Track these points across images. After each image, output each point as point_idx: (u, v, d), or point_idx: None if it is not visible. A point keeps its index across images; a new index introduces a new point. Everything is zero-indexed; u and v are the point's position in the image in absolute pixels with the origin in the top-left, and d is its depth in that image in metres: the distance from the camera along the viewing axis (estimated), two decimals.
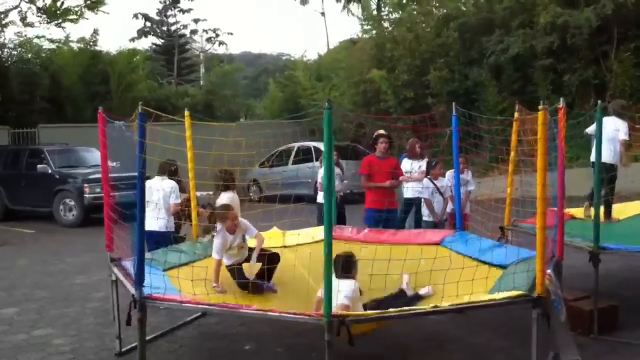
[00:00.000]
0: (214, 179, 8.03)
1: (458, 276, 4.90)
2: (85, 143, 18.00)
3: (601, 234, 6.51)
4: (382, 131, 9.40)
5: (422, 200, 9.46)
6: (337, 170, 10.72)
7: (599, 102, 6.92)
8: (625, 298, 7.31)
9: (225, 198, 7.83)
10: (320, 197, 10.48)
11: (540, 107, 4.80)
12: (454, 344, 6.44)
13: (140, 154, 4.93)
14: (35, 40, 26.29)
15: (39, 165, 17.02)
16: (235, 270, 6.19)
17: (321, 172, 10.64)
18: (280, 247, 7.85)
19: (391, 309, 4.83)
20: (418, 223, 9.62)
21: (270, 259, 6.14)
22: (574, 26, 18.79)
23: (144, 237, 5.29)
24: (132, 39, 39.53)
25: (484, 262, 6.23)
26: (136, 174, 5.10)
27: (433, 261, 4.93)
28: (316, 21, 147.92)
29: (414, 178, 9.65)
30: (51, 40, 26.74)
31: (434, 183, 9.35)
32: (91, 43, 27.59)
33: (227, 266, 6.29)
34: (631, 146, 9.09)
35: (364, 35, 27.17)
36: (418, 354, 6.19)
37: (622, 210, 9.00)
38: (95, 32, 27.59)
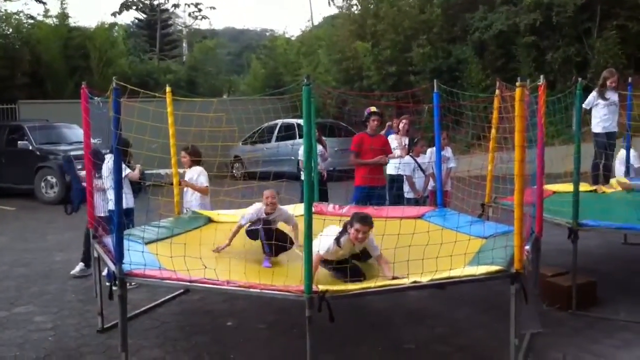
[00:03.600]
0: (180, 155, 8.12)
1: (437, 249, 4.93)
2: (65, 119, 17.83)
3: (580, 210, 6.56)
4: (374, 108, 9.35)
5: (404, 177, 9.49)
6: (320, 148, 10.70)
7: (580, 79, 6.94)
8: (603, 274, 7.41)
9: (195, 172, 8.19)
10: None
11: (517, 84, 4.80)
12: (434, 319, 6.50)
13: (115, 129, 4.88)
14: (16, 16, 25.92)
15: (19, 142, 16.84)
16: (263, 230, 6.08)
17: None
18: None
19: (372, 284, 4.85)
20: (398, 200, 9.67)
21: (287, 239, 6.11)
22: (558, 4, 18.81)
23: (122, 213, 5.27)
24: (114, 14, 39.03)
25: (463, 233, 6.27)
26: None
27: (412, 235, 4.94)
28: None
29: (397, 155, 9.71)
30: (30, 17, 26.39)
31: (415, 160, 9.39)
32: (63, 15, 27.22)
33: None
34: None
35: (346, 11, 26.97)
36: (399, 330, 6.24)
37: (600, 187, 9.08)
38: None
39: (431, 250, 4.95)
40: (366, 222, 5.21)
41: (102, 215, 7.28)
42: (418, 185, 9.40)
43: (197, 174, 8.25)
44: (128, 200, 7.66)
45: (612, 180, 8.79)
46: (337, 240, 5.25)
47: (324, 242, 5.29)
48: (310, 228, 4.44)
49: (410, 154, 9.47)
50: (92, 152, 6.90)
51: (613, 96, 8.38)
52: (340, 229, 5.33)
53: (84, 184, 7.86)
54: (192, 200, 8.27)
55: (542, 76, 6.33)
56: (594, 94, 8.41)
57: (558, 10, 18.86)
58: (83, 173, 7.84)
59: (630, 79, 10.25)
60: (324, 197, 10.41)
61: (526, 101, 4.89)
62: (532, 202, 6.08)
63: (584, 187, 8.21)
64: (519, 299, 4.84)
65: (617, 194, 8.60)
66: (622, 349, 5.58)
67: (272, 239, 5.78)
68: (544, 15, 19.16)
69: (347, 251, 5.34)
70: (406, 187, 9.50)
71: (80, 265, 8.41)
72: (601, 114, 8.38)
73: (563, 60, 19.14)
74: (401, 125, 10.43)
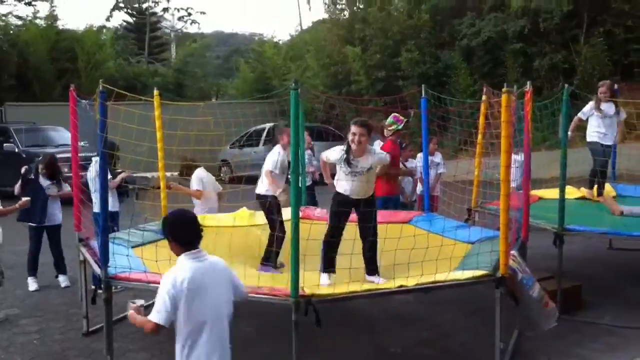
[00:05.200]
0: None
1: (424, 254, 4.95)
2: (52, 122, 17.75)
3: (565, 216, 6.61)
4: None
5: None
6: (308, 152, 10.70)
7: (566, 85, 6.99)
8: (588, 279, 7.45)
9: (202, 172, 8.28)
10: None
11: (503, 89, 4.84)
12: (420, 322, 6.52)
13: (101, 132, 4.87)
14: (4, 17, 25.86)
15: (5, 144, 16.73)
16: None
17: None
18: (250, 225, 7.87)
19: (358, 288, 4.87)
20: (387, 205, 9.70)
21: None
22: (545, 10, 18.93)
23: (107, 216, 5.25)
24: (108, 18, 38.80)
25: (450, 238, 6.31)
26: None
27: (398, 240, 4.96)
28: (291, 1, 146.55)
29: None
30: (19, 17, 26.27)
31: (404, 164, 9.39)
32: (52, 17, 27.14)
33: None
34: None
35: (333, 16, 26.96)
36: (385, 333, 6.25)
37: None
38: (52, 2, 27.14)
39: (417, 254, 4.97)
40: (356, 123, 5.65)
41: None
42: (407, 189, 9.41)
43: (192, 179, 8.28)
44: (113, 204, 7.60)
45: (606, 191, 8.85)
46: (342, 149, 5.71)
47: (330, 152, 5.84)
48: (297, 231, 4.45)
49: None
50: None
51: (608, 109, 8.36)
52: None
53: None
54: (195, 205, 8.27)
55: (529, 82, 6.38)
56: (591, 104, 8.45)
57: (545, 17, 18.98)
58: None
59: (616, 86, 10.33)
60: (312, 202, 10.40)
61: (513, 107, 4.93)
62: (519, 207, 6.12)
63: (570, 192, 8.27)
64: (505, 303, 4.88)
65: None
66: (607, 353, 5.62)
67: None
68: (531, 22, 19.28)
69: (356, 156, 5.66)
70: None
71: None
72: (595, 125, 8.45)
73: (550, 67, 19.25)
74: (386, 132, 10.41)
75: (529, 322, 5.34)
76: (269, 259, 6.50)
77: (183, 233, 3.76)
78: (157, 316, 3.58)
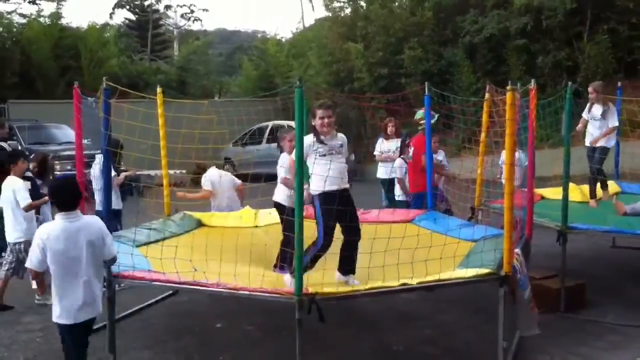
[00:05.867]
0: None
1: (427, 253, 4.94)
2: (55, 119, 17.74)
3: (569, 214, 6.60)
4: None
5: (395, 179, 9.51)
6: None
7: (570, 83, 6.97)
8: (592, 277, 7.44)
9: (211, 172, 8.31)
10: None
11: (508, 87, 4.82)
12: (423, 321, 6.52)
13: (105, 130, 4.87)
14: (7, 15, 25.85)
15: (8, 142, 16.71)
16: None
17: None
18: (253, 226, 7.87)
19: (361, 287, 4.87)
20: (391, 203, 9.72)
21: None
22: (549, 7, 18.88)
23: (111, 214, 5.25)
24: (111, 14, 38.82)
25: (453, 237, 6.30)
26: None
27: (402, 239, 4.95)
28: None
29: (392, 158, 9.78)
30: (22, 15, 26.28)
31: (407, 162, 9.37)
32: (57, 15, 27.13)
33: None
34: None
35: (334, 14, 26.87)
36: (388, 332, 6.25)
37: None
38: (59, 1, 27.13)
39: (421, 253, 4.96)
40: (323, 106, 5.48)
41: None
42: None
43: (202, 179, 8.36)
44: (115, 202, 7.61)
45: (610, 188, 8.82)
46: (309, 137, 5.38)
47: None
48: (301, 231, 4.44)
49: (402, 156, 9.46)
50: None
51: (595, 111, 8.34)
52: None
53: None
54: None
55: (533, 80, 6.36)
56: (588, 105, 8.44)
57: (549, 14, 18.92)
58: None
59: (620, 84, 10.31)
60: None
61: (517, 105, 4.92)
62: (522, 206, 6.11)
63: (572, 193, 8.24)
64: (508, 302, 4.87)
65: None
66: (610, 351, 5.62)
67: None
68: (534, 19, 19.22)
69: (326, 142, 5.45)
70: (397, 190, 9.51)
71: None
72: (588, 127, 8.45)
73: (553, 64, 19.20)
74: (389, 129, 10.44)
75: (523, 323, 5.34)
76: (285, 261, 6.26)
77: (59, 198, 4.47)
78: (30, 263, 4.48)
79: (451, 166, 9.89)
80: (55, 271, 4.42)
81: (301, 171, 4.48)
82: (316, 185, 5.38)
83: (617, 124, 8.50)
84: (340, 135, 5.65)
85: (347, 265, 5.45)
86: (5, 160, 7.49)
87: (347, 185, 5.56)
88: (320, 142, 5.42)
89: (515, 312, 5.15)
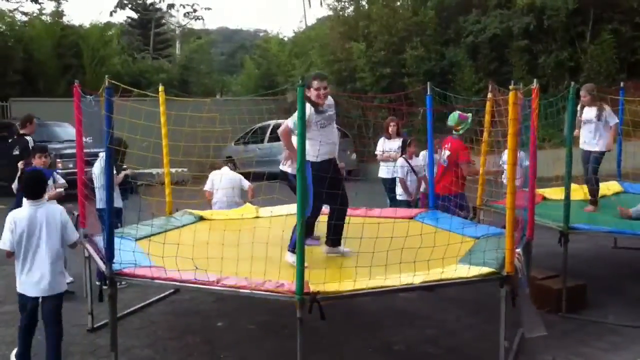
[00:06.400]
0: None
1: (429, 250, 4.93)
2: (57, 118, 17.75)
3: (570, 214, 6.60)
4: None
5: (397, 179, 9.52)
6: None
7: (572, 83, 6.96)
8: (593, 278, 7.44)
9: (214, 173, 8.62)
10: None
11: (511, 87, 4.82)
12: (424, 320, 6.52)
13: (107, 129, 4.87)
14: (10, 14, 25.83)
15: (10, 140, 16.72)
16: None
17: None
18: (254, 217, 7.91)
19: (363, 286, 4.86)
20: (393, 202, 9.73)
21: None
22: (551, 7, 18.87)
23: (113, 212, 5.26)
24: (111, 13, 38.81)
25: (456, 233, 6.31)
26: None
27: (405, 237, 4.94)
28: None
29: (394, 157, 9.78)
30: (24, 13, 26.27)
31: (408, 162, 9.38)
32: (58, 13, 27.14)
33: None
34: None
35: (335, 13, 26.85)
36: (389, 331, 6.25)
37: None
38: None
39: (423, 251, 4.95)
40: (319, 76, 5.89)
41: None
42: (411, 188, 9.39)
43: None
44: (116, 200, 7.61)
45: (612, 188, 8.72)
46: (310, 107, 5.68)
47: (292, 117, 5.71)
48: (303, 228, 4.44)
49: (404, 156, 9.47)
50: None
51: (587, 114, 8.16)
52: None
53: None
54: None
55: (535, 80, 6.36)
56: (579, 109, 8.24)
57: (551, 14, 18.92)
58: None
59: (622, 84, 10.30)
60: None
61: (520, 105, 4.91)
62: (524, 206, 6.10)
63: (575, 190, 8.19)
64: (509, 302, 4.87)
65: (607, 199, 8.63)
66: (611, 352, 5.61)
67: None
68: (537, 19, 19.22)
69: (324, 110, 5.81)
70: (398, 190, 9.51)
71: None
72: (581, 131, 8.26)
73: (556, 64, 19.20)
74: (391, 129, 10.43)
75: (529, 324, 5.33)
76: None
77: (28, 188, 5.30)
78: (2, 244, 5.16)
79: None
80: (17, 250, 5.13)
81: (303, 166, 4.48)
82: (313, 152, 5.61)
83: (617, 120, 8.34)
84: (329, 101, 5.91)
85: (336, 234, 5.78)
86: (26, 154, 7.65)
87: (336, 154, 5.95)
88: (319, 112, 5.72)
89: (519, 313, 5.14)
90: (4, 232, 5.14)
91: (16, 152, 9.77)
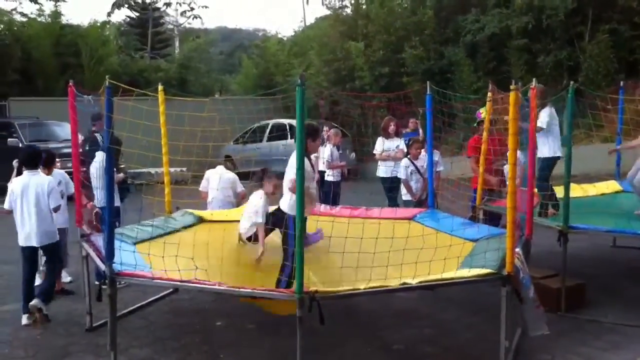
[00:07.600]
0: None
1: (430, 251, 4.93)
2: (56, 117, 17.73)
3: (570, 213, 6.60)
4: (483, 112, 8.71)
5: (401, 181, 9.48)
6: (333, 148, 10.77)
7: (572, 83, 6.95)
8: (592, 277, 7.45)
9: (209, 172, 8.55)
10: (329, 176, 10.64)
11: (512, 87, 4.82)
12: (423, 320, 6.52)
13: (107, 128, 4.86)
14: (8, 13, 25.81)
15: (9, 139, 16.73)
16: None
17: (327, 150, 10.58)
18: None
19: (362, 285, 4.85)
20: (392, 202, 9.72)
21: None
22: (550, 7, 18.87)
23: (113, 212, 5.25)
24: (109, 14, 38.71)
25: (456, 236, 6.30)
26: None
27: (406, 238, 4.95)
28: None
29: (393, 157, 9.77)
30: (22, 14, 26.25)
31: (413, 163, 9.31)
32: (56, 14, 27.13)
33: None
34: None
35: (334, 13, 26.83)
36: (388, 330, 6.25)
37: (590, 190, 9.13)
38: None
39: (424, 252, 4.95)
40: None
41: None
42: (415, 188, 9.34)
43: None
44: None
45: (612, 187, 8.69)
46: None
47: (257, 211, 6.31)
48: (302, 229, 4.44)
49: (408, 156, 9.42)
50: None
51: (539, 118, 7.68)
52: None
53: None
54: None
55: (534, 79, 6.35)
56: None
57: (550, 13, 18.90)
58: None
59: (622, 83, 10.30)
60: (334, 198, 10.36)
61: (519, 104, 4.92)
62: (522, 206, 6.10)
63: (574, 189, 8.17)
64: (510, 301, 4.87)
65: (606, 198, 8.65)
66: (610, 351, 5.61)
67: None
68: (535, 18, 19.21)
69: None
70: (403, 190, 9.48)
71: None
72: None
73: (554, 64, 19.18)
74: (391, 129, 10.44)
75: (524, 322, 5.34)
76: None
77: (27, 160, 6.73)
78: (3, 205, 6.64)
79: (453, 165, 9.88)
80: (14, 209, 6.59)
81: (302, 168, 4.47)
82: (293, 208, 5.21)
83: (542, 125, 7.63)
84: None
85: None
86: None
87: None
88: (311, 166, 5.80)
89: (522, 313, 5.15)
90: (7, 196, 6.69)
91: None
